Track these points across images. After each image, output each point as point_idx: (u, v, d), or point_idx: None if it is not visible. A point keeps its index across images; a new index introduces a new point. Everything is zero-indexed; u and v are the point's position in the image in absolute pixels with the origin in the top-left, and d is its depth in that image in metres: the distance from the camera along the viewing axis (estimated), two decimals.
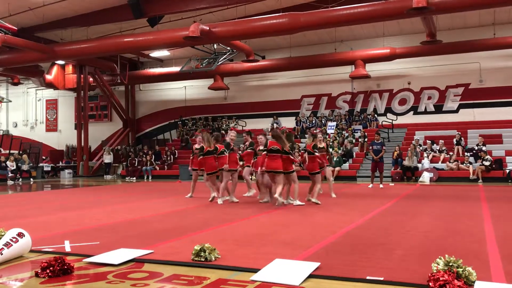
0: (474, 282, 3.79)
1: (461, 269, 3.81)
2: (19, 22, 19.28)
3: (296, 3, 18.55)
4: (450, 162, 18.51)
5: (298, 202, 9.82)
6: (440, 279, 3.65)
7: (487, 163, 17.69)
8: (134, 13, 18.35)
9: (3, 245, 4.81)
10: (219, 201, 10.35)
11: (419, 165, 18.73)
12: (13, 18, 18.45)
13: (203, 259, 4.68)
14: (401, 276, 4.13)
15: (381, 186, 15.00)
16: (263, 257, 4.83)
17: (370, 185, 15.03)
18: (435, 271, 3.86)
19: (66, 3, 18.24)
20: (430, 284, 3.68)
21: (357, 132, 22.44)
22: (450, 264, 3.87)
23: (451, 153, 18.99)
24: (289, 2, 18.42)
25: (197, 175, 12.02)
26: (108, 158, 24.67)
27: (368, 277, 4.09)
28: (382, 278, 4.06)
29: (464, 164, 18.23)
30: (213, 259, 4.71)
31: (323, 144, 11.56)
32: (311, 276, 4.16)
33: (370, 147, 15.54)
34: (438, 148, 19.81)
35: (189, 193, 11.93)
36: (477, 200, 10.86)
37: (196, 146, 11.58)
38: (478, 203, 10.04)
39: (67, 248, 5.47)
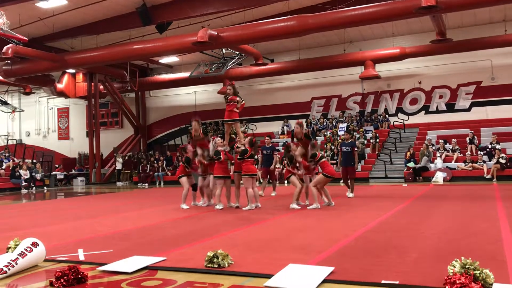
0: (491, 284, 3.71)
1: (478, 272, 3.74)
2: (30, 32, 19.50)
3: (304, 5, 18.52)
4: (465, 164, 18.28)
5: (294, 206, 9.99)
6: (457, 282, 3.58)
7: (503, 161, 17.47)
8: (142, 20, 18.48)
9: (17, 255, 4.84)
10: (219, 206, 10.22)
11: (432, 165, 18.56)
12: (23, 29, 18.67)
13: (216, 266, 4.66)
14: (416, 280, 4.07)
15: (350, 195, 12.16)
16: (276, 262, 4.80)
17: (350, 194, 12.22)
18: (451, 274, 3.79)
19: (75, 12, 18.42)
20: (447, 287, 3.62)
21: (368, 133, 22.31)
22: (467, 266, 3.80)
23: (467, 153, 18.72)
24: (297, 4, 18.40)
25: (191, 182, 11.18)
26: (119, 164, 24.85)
27: (383, 281, 4.04)
28: (397, 282, 4.01)
29: (478, 163, 18.03)
30: (226, 265, 4.69)
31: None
32: (325, 281, 4.12)
33: (339, 149, 13.61)
34: (451, 148, 19.62)
35: (201, 201, 11.27)
36: (492, 199, 10.72)
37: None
38: (494, 203, 9.91)
39: (81, 257, 5.48)
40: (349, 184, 12.42)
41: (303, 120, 11.65)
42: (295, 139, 10.89)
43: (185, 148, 11.40)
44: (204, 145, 10.93)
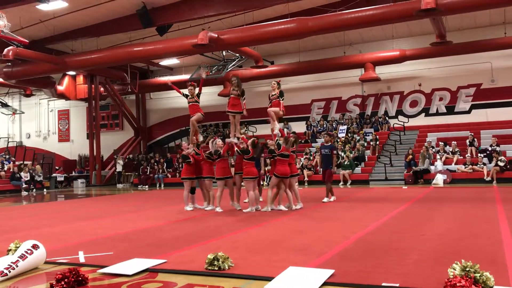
0: (492, 287, 3.72)
1: (479, 274, 3.75)
2: (31, 35, 19.50)
3: (304, 8, 18.53)
4: (465, 166, 18.25)
5: (296, 207, 10.06)
6: (457, 284, 3.59)
7: (501, 164, 17.46)
8: (142, 22, 18.48)
9: (18, 257, 4.85)
10: (218, 209, 10.25)
11: (432, 167, 18.55)
12: (24, 31, 18.68)
13: (216, 268, 4.68)
14: (416, 282, 4.08)
15: (325, 200, 11.60)
16: (276, 264, 4.81)
17: (332, 198, 11.74)
18: (451, 276, 3.80)
19: (76, 14, 18.44)
20: None
21: (368, 136, 22.31)
22: (467, 269, 3.81)
23: (467, 155, 18.70)
24: (297, 7, 18.41)
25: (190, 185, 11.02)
26: (120, 166, 24.86)
27: (383, 284, 4.05)
28: (397, 285, 4.01)
29: (478, 166, 18.02)
30: (227, 267, 4.71)
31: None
32: (325, 283, 4.13)
33: (319, 151, 12.92)
34: (451, 150, 19.61)
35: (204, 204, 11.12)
36: (492, 201, 10.71)
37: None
38: (494, 205, 9.91)
39: (81, 259, 5.49)
40: (326, 187, 11.74)
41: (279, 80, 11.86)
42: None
43: (180, 145, 11.52)
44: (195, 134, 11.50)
